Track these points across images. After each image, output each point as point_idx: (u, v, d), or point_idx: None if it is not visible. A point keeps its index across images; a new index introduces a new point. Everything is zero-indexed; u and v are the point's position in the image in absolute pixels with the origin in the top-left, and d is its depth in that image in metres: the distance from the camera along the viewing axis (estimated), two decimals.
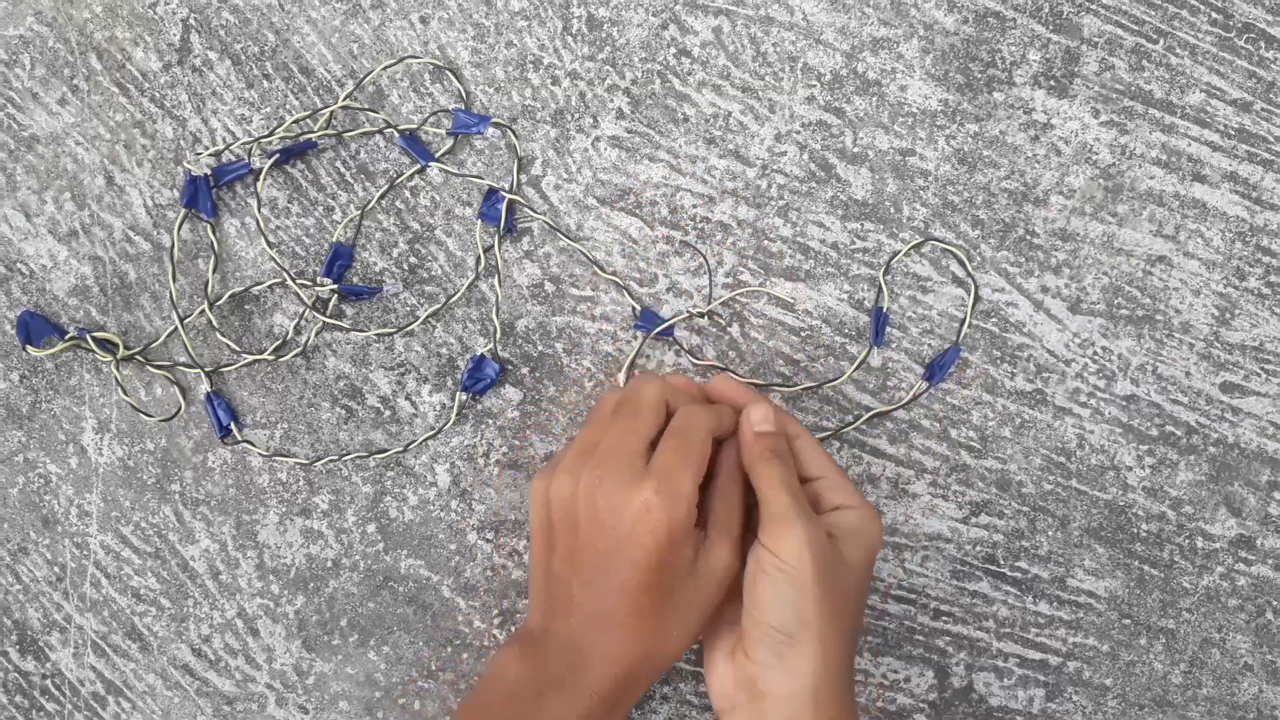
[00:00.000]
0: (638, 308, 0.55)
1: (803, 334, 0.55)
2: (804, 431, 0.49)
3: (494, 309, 0.55)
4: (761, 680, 0.43)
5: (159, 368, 0.54)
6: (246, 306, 0.55)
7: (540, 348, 0.55)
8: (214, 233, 0.54)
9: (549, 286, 0.55)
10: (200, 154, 0.54)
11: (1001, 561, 0.56)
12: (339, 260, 0.54)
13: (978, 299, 0.55)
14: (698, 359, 0.55)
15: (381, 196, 0.55)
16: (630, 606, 0.44)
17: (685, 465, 0.44)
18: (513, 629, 0.56)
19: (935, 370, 0.55)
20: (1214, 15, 0.54)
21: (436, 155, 0.55)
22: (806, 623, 0.43)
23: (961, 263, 0.55)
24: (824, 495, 0.47)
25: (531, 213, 0.55)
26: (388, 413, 0.55)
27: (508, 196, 0.54)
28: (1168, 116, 0.55)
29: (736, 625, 0.46)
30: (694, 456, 0.45)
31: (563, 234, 0.54)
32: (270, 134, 0.54)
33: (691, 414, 0.46)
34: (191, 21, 0.54)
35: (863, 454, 0.55)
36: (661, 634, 0.45)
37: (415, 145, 0.54)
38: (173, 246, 0.54)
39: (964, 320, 0.55)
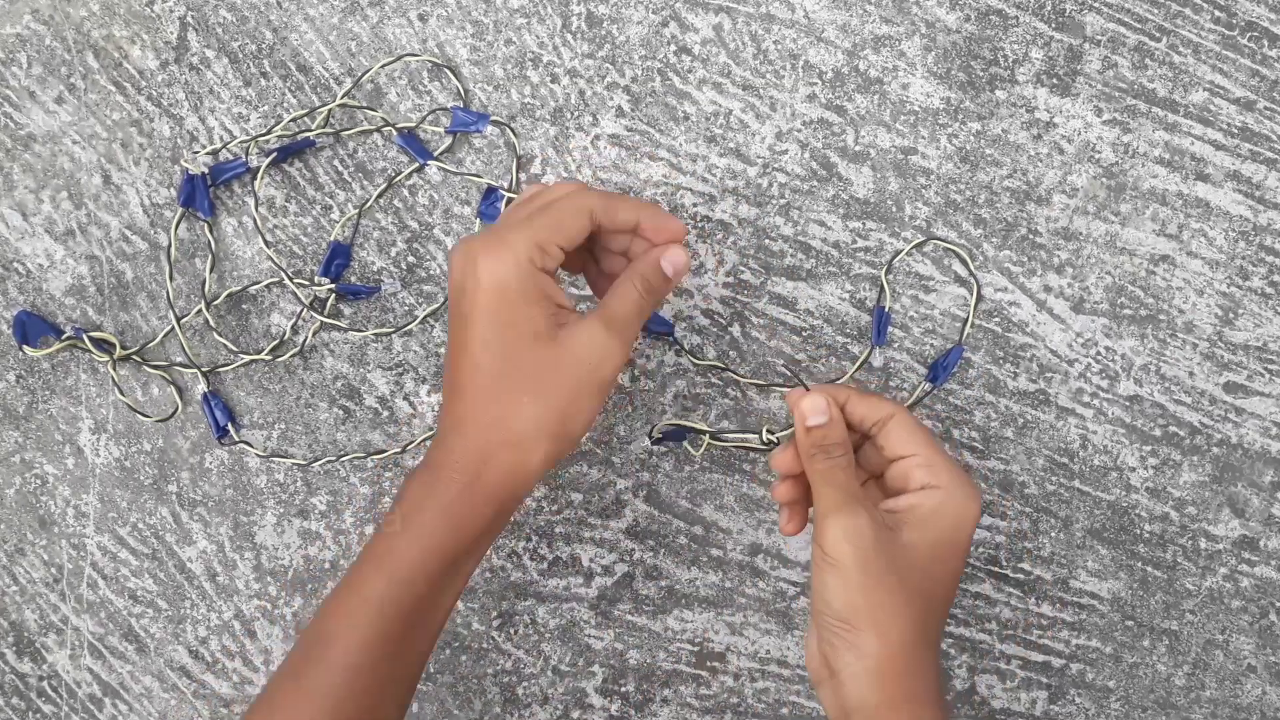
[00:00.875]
0: None
1: (804, 334, 0.55)
2: (898, 410, 0.47)
3: None
4: (833, 660, 0.45)
5: (156, 368, 0.54)
6: (244, 306, 0.55)
7: None
8: (211, 232, 0.54)
9: None
10: (197, 152, 0.54)
11: (1004, 563, 0.56)
12: (337, 259, 0.54)
13: (980, 298, 0.55)
14: (698, 359, 0.55)
15: (380, 195, 0.54)
16: (469, 365, 0.42)
17: (526, 225, 0.42)
18: (512, 631, 0.56)
19: (938, 370, 0.54)
20: (1217, 14, 0.54)
21: (435, 154, 0.54)
22: (857, 610, 0.44)
23: (964, 262, 0.54)
24: (912, 475, 0.46)
25: None
26: (386, 413, 0.55)
27: (507, 195, 0.54)
28: (1171, 115, 0.54)
29: None
30: (541, 221, 0.43)
31: None
32: (268, 132, 0.54)
33: (567, 190, 0.45)
34: (189, 19, 0.54)
35: None
36: (509, 401, 0.42)
37: (414, 143, 0.54)
38: (170, 246, 0.54)
39: (966, 320, 0.55)
